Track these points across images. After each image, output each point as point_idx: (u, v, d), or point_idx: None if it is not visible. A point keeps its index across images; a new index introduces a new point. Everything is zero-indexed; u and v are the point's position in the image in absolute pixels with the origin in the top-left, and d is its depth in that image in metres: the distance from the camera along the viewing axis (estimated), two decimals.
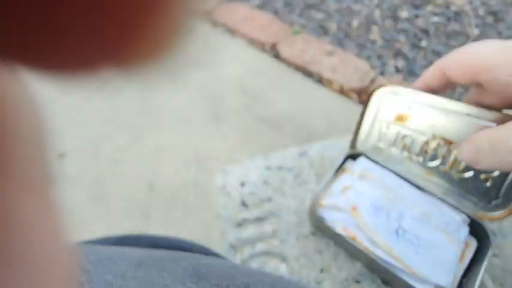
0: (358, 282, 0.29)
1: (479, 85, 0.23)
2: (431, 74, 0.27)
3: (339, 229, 0.28)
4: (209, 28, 1.31)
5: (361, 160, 0.33)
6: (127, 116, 1.07)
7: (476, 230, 0.29)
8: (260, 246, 0.34)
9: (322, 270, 0.31)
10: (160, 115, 1.06)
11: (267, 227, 0.34)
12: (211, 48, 1.24)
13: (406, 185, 0.31)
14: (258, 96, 1.07)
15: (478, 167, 0.22)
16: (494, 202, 0.28)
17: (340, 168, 0.33)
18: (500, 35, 1.06)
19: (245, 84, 1.10)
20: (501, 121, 0.24)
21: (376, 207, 0.29)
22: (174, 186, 0.91)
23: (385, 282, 0.29)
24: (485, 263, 0.26)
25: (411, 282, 0.25)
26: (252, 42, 1.22)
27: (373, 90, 0.33)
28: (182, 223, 0.85)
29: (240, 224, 0.35)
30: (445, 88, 0.27)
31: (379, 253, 0.27)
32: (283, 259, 0.32)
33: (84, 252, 0.19)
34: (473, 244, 0.29)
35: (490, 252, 0.26)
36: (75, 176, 0.95)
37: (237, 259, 0.34)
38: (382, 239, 0.27)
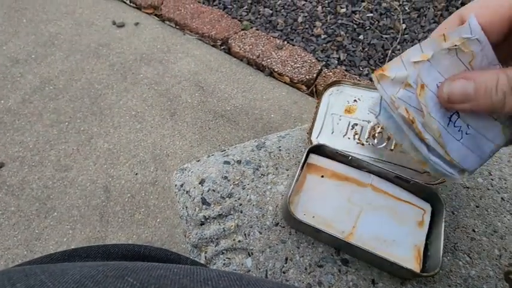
0: (320, 266, 0.31)
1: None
2: (449, 24, 0.23)
3: (402, 110, 0.24)
4: (157, 24, 1.27)
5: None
6: (74, 118, 1.00)
7: (429, 195, 0.32)
8: (224, 243, 0.33)
9: (286, 260, 0.31)
10: (112, 115, 1.01)
11: (230, 223, 0.33)
12: (161, 44, 1.21)
13: None
14: (212, 91, 1.07)
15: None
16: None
17: (304, 164, 0.34)
18: (423, 28, 1.21)
19: (198, 80, 1.10)
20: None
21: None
22: (132, 188, 0.88)
23: (345, 263, 0.31)
24: (443, 224, 0.29)
25: (443, 167, 0.24)
26: (203, 37, 1.21)
27: (323, 90, 0.38)
28: (144, 225, 0.83)
29: (202, 222, 0.34)
30: None
31: (428, 137, 0.24)
32: (248, 253, 0.32)
33: (13, 280, 0.17)
34: (428, 209, 0.32)
35: (444, 214, 0.29)
36: (18, 187, 0.87)
37: (201, 259, 0.33)
38: (437, 125, 0.24)
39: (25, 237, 0.81)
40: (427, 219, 0.32)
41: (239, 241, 0.32)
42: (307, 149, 0.33)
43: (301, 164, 0.33)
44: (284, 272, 0.30)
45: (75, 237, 0.81)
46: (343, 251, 0.32)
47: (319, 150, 0.35)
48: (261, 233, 0.33)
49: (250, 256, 0.32)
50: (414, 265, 0.29)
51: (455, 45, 0.23)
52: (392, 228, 0.31)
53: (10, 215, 0.83)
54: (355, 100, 0.37)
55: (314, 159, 0.35)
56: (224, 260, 0.32)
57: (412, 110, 0.24)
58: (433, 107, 0.24)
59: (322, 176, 0.34)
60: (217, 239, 0.33)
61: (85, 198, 0.86)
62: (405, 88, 0.24)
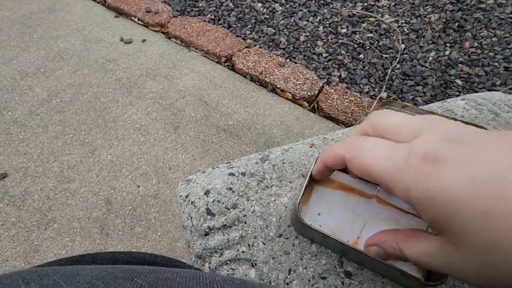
0: (324, 278, 0.31)
1: None
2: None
3: None
4: (164, 41, 1.31)
5: None
6: (78, 130, 1.02)
7: None
8: (228, 254, 0.33)
9: (290, 271, 0.31)
10: (116, 128, 1.02)
11: (234, 234, 0.34)
12: (167, 60, 1.24)
13: None
14: (215, 106, 1.09)
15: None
16: None
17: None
18: (422, 48, 1.24)
19: (202, 95, 1.12)
20: None
21: None
22: (133, 201, 0.88)
23: (348, 275, 0.31)
24: None
25: None
26: (208, 54, 1.25)
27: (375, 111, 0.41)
28: (144, 238, 0.83)
29: (207, 233, 0.35)
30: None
31: None
32: (252, 264, 0.32)
33: (27, 280, 0.17)
34: None
35: None
36: (20, 198, 0.87)
37: (205, 269, 0.33)
38: None
39: (24, 249, 0.80)
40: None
41: (243, 252, 0.32)
42: (315, 159, 0.34)
43: (309, 173, 0.33)
44: (287, 284, 0.30)
45: (74, 250, 0.81)
46: (349, 258, 0.32)
47: None
48: (264, 243, 0.33)
49: (253, 267, 0.32)
50: (418, 275, 0.29)
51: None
52: None
53: (10, 226, 0.83)
54: None
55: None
56: (228, 270, 0.32)
57: None
58: None
59: (329, 187, 0.34)
60: (221, 249, 0.33)
61: (86, 210, 0.86)
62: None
